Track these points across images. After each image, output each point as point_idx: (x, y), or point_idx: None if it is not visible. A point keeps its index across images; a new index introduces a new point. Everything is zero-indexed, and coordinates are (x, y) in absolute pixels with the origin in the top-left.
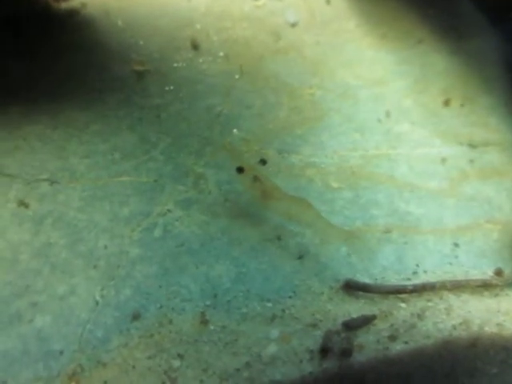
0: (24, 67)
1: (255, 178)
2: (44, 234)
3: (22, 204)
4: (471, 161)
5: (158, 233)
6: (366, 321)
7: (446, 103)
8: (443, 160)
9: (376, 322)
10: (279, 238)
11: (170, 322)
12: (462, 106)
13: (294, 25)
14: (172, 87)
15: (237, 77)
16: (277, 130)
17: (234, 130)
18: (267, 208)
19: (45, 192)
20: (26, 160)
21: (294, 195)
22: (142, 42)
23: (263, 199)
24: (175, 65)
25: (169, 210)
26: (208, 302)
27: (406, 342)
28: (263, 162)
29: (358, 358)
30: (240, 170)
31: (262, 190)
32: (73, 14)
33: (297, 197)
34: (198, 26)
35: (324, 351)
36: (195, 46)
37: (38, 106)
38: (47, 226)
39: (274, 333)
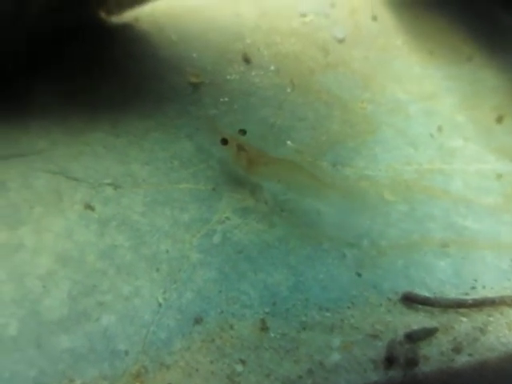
0: (84, 76)
1: None
2: (109, 236)
3: (88, 207)
4: None
5: (217, 239)
6: (428, 333)
7: (499, 120)
8: (498, 176)
9: (438, 334)
10: (336, 249)
11: (231, 327)
12: None
13: (341, 40)
14: (226, 99)
15: (288, 90)
16: (330, 142)
17: (288, 142)
18: (321, 220)
19: (109, 196)
20: (91, 165)
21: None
22: (195, 55)
23: None
24: (228, 77)
25: (227, 218)
26: (267, 309)
27: (470, 355)
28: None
29: (423, 368)
30: None
31: None
32: (127, 27)
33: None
34: (248, 41)
35: (389, 361)
36: (247, 60)
37: (100, 114)
38: (112, 229)
39: (335, 342)
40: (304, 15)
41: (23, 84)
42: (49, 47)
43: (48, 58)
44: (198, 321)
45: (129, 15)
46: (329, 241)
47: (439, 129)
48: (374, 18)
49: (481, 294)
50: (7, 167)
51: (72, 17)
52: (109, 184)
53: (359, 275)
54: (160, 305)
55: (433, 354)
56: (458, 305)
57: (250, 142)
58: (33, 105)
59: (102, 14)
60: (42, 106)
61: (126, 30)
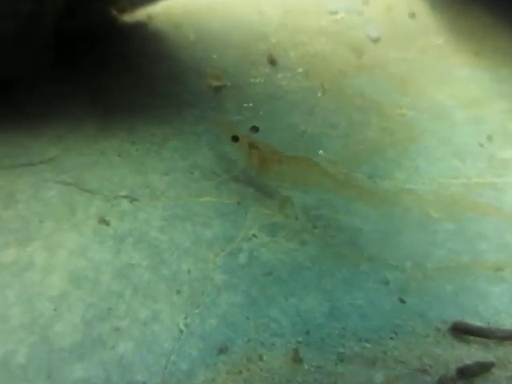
0: (96, 77)
1: None
2: (125, 253)
3: (103, 221)
4: None
5: (243, 259)
6: (483, 368)
7: None
8: None
9: (494, 370)
10: (376, 271)
11: (260, 358)
12: None
13: (376, 40)
14: (251, 104)
15: (319, 94)
16: (366, 152)
17: (320, 151)
18: (360, 239)
19: (125, 209)
20: (106, 175)
21: None
22: (215, 56)
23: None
24: (252, 80)
25: (254, 235)
26: (300, 339)
27: None
28: None
29: None
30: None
31: None
32: (140, 26)
33: None
34: (273, 40)
35: None
36: (272, 61)
37: (114, 119)
38: (128, 246)
39: (378, 377)
40: (334, 12)
41: (33, 86)
42: (59, 48)
43: (59, 59)
44: (222, 350)
45: (142, 13)
46: (368, 262)
47: (489, 138)
48: (412, 16)
49: None
50: (16, 177)
51: (83, 15)
52: (125, 196)
53: (403, 302)
54: (181, 331)
55: None
56: None
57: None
58: (43, 108)
59: (114, 12)
60: (53, 110)
61: (139, 28)
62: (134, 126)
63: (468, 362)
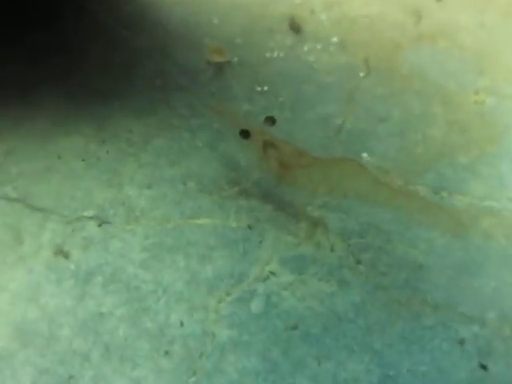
0: (54, 53)
1: None
2: (92, 299)
3: (61, 252)
4: None
5: (257, 306)
6: None
7: None
8: None
9: None
10: (445, 325)
11: None
12: None
13: None
14: (266, 87)
15: (362, 74)
16: (429, 156)
17: (364, 155)
18: (422, 279)
19: (91, 236)
20: (64, 188)
21: None
22: (216, 21)
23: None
24: (268, 55)
25: (272, 273)
26: None
27: None
28: None
29: None
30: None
31: None
32: None
33: None
34: (298, 0)
35: None
36: (295, 28)
37: (77, 110)
38: (96, 288)
39: None
40: None
41: None
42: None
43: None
44: None
45: None
46: (433, 312)
47: None
48: None
49: None
50: None
51: None
52: (91, 218)
53: (484, 368)
54: None
55: None
56: None
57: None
58: None
59: None
60: None
61: None
62: (105, 118)
63: None
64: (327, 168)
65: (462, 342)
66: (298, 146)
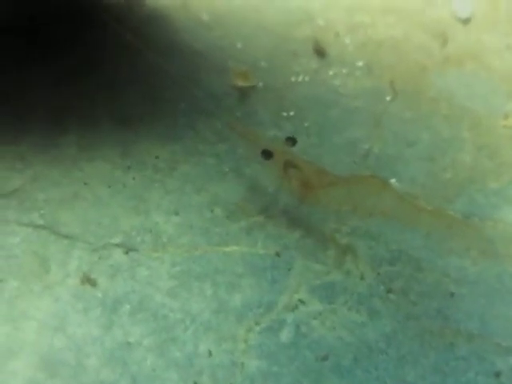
0: (78, 78)
1: None
2: (120, 328)
3: (88, 281)
4: None
5: (286, 336)
6: None
7: None
8: None
9: None
10: (481, 356)
11: None
12: None
13: (467, 21)
14: (292, 112)
15: (388, 98)
16: (459, 181)
17: (392, 180)
18: (454, 308)
19: (118, 263)
20: (90, 214)
21: None
22: (239, 46)
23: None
24: (293, 79)
25: (301, 301)
26: None
27: None
28: None
29: None
30: None
31: None
32: (135, 4)
33: None
34: (321, 23)
35: None
36: (320, 52)
37: (102, 135)
38: (124, 317)
39: None
40: None
41: None
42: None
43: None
44: None
45: None
46: (467, 342)
47: None
48: None
49: None
50: None
51: None
52: (117, 245)
53: None
54: None
55: None
56: None
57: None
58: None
59: None
60: (13, 121)
61: (135, 8)
62: (130, 144)
63: None
64: (353, 184)
65: (498, 374)
66: (323, 167)
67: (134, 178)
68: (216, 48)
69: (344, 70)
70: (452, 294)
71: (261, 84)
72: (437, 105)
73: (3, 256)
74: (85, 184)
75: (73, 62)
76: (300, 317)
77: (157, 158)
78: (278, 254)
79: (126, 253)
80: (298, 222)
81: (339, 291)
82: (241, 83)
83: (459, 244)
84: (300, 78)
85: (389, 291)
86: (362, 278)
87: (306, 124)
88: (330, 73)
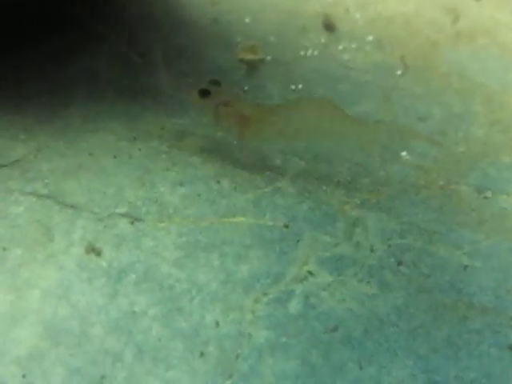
0: (81, 49)
1: None
2: (125, 297)
3: (92, 250)
4: None
5: (295, 307)
6: None
7: None
8: None
9: None
10: (494, 329)
11: None
12: None
13: None
14: (300, 85)
15: (399, 72)
16: (472, 156)
17: (403, 153)
18: (467, 281)
19: (123, 233)
20: (95, 185)
21: None
22: (248, 20)
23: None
24: (302, 53)
25: (310, 273)
26: None
27: None
28: None
29: None
30: None
31: None
32: None
33: None
34: None
35: None
36: (329, 27)
37: (107, 107)
38: (129, 286)
39: None
40: None
41: None
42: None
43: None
44: None
45: None
46: (480, 315)
47: None
48: None
49: None
50: None
51: None
52: (123, 215)
53: None
54: None
55: None
56: None
57: (341, 152)
58: (3, 92)
59: None
60: (17, 93)
61: None
62: (136, 116)
63: None
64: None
65: (511, 347)
66: None
67: (139, 150)
68: (224, 23)
69: (354, 45)
70: (465, 267)
71: (269, 58)
72: (448, 80)
73: (6, 225)
74: (90, 155)
75: (72, 36)
76: (309, 288)
77: (162, 129)
78: (286, 226)
79: (132, 223)
80: (308, 194)
81: (349, 263)
82: (248, 57)
83: (472, 218)
84: (309, 53)
85: (400, 264)
86: (372, 250)
87: (315, 95)
88: (340, 47)
